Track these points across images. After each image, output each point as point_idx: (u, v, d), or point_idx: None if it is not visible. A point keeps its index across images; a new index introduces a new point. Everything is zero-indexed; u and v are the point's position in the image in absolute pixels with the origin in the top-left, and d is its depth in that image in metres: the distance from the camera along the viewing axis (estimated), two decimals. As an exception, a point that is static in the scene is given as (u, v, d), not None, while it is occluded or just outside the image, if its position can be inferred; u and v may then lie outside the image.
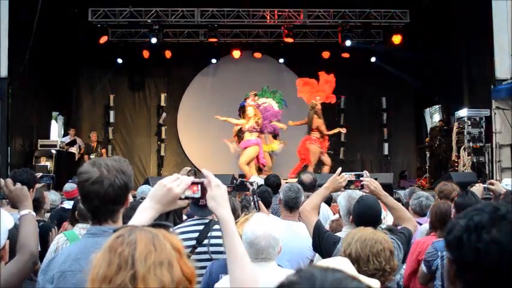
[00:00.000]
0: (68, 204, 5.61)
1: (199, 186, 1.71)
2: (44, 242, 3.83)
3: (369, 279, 2.10)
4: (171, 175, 1.74)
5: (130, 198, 2.12)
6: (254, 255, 2.63)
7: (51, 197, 5.99)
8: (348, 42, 13.85)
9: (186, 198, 1.72)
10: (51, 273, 1.97)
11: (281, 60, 15.65)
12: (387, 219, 4.55)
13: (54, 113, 15.42)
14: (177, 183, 1.69)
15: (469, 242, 1.28)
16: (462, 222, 1.33)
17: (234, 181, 8.74)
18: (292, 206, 4.28)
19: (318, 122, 12.56)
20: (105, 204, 1.97)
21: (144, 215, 1.68)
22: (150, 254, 1.23)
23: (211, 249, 3.28)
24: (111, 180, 1.94)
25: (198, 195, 1.71)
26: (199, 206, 1.72)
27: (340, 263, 2.03)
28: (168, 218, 3.70)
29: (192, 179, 1.72)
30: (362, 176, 3.51)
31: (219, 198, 1.70)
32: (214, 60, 15.57)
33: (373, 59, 15.12)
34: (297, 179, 6.19)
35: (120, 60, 14.86)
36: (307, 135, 12.74)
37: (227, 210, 1.70)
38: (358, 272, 2.18)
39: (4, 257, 2.03)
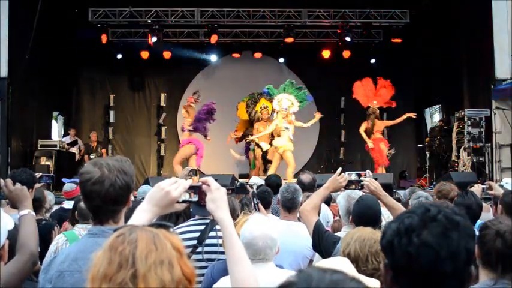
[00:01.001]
0: (68, 204, 5.60)
1: (197, 190, 1.72)
2: (46, 240, 3.82)
3: (369, 280, 2.11)
4: (170, 176, 1.75)
5: (132, 198, 2.12)
6: (251, 256, 2.61)
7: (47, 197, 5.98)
8: (348, 38, 13.86)
9: (184, 201, 1.73)
10: (51, 272, 1.97)
11: (281, 60, 15.63)
12: (390, 219, 4.55)
13: (54, 113, 15.38)
14: (174, 187, 1.70)
15: (400, 246, 1.25)
16: (394, 226, 1.29)
17: (235, 182, 8.75)
18: (289, 207, 4.27)
19: (382, 122, 13.10)
20: (106, 204, 1.97)
21: (141, 216, 1.68)
22: (150, 253, 1.24)
23: (206, 249, 3.27)
24: (112, 180, 1.95)
25: (195, 199, 1.72)
26: (200, 205, 1.73)
27: (340, 263, 2.04)
28: (178, 221, 3.69)
29: (190, 182, 1.74)
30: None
31: (218, 200, 1.71)
32: (214, 60, 15.55)
33: (372, 61, 15.11)
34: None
35: (119, 56, 14.83)
36: (376, 138, 12.84)
37: (226, 212, 1.73)
38: (357, 271, 2.18)
39: (3, 256, 2.03)
